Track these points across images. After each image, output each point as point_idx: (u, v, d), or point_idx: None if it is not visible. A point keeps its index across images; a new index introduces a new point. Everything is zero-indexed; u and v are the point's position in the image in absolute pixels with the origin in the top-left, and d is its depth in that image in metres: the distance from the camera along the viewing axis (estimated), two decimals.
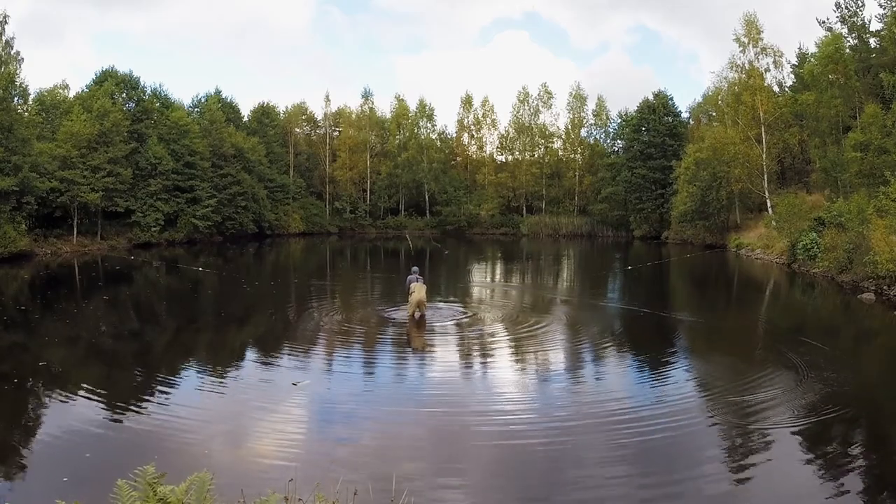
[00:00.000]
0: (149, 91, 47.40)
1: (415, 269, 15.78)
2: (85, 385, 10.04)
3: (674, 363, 12.35)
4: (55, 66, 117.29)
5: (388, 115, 70.32)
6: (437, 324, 15.47)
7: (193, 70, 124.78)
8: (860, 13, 36.44)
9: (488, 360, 12.25)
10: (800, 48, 47.79)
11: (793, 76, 45.20)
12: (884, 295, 19.63)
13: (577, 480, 6.80)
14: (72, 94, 48.53)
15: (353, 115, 69.71)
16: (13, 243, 31.59)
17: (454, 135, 71.65)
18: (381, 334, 14.60)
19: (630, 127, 58.36)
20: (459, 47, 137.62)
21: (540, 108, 68.02)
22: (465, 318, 16.42)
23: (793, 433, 8.15)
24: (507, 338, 14.35)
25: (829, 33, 37.47)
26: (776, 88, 44.82)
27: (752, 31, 43.04)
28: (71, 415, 8.84)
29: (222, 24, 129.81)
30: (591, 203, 62.71)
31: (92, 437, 7.87)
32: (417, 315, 15.40)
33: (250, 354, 12.65)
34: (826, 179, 33.54)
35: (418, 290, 15.29)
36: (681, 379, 11.01)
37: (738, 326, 17.02)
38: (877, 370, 12.00)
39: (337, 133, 70.99)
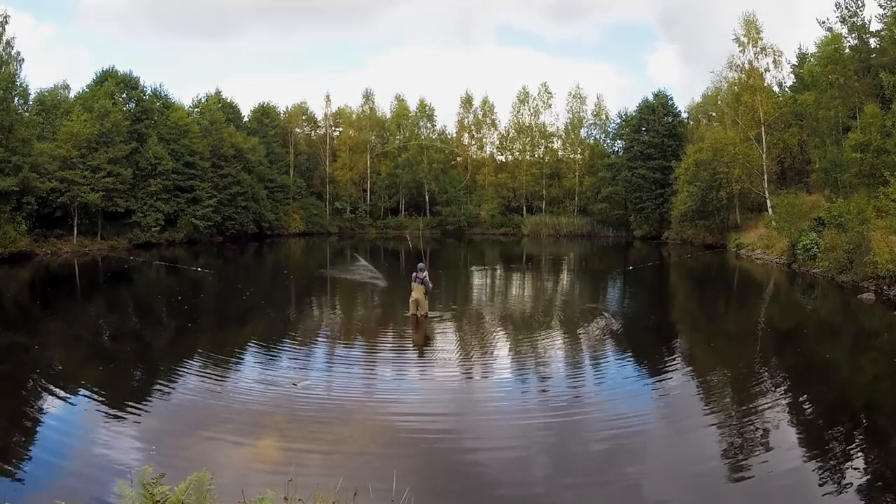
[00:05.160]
0: (149, 91, 47.43)
1: (420, 265, 15.76)
2: (85, 385, 10.05)
3: (672, 363, 12.36)
4: (55, 66, 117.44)
5: (389, 115, 70.35)
6: (438, 324, 15.48)
7: (193, 70, 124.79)
8: (860, 13, 36.42)
9: (488, 361, 12.25)
10: (800, 48, 47.85)
11: (793, 76, 45.21)
12: (884, 295, 19.63)
13: (577, 480, 6.81)
14: (72, 94, 48.66)
15: (354, 116, 69.76)
16: (13, 243, 31.64)
17: (454, 135, 71.72)
18: (381, 334, 14.61)
19: (630, 127, 58.39)
20: (459, 47, 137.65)
21: (540, 108, 68.11)
22: (465, 319, 16.42)
23: (792, 432, 8.16)
24: (507, 339, 14.37)
25: (829, 33, 37.47)
26: (776, 88, 44.86)
27: (751, 31, 43.04)
28: (71, 415, 8.85)
29: (223, 24, 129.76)
30: (592, 203, 62.71)
31: (92, 437, 7.87)
32: (420, 314, 15.43)
33: (250, 354, 12.65)
34: (826, 179, 33.50)
35: (416, 290, 15.38)
36: (679, 379, 11.01)
37: (738, 326, 17.03)
38: (877, 370, 12.00)
39: (337, 133, 71.04)
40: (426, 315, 15.52)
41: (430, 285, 15.89)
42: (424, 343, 13.79)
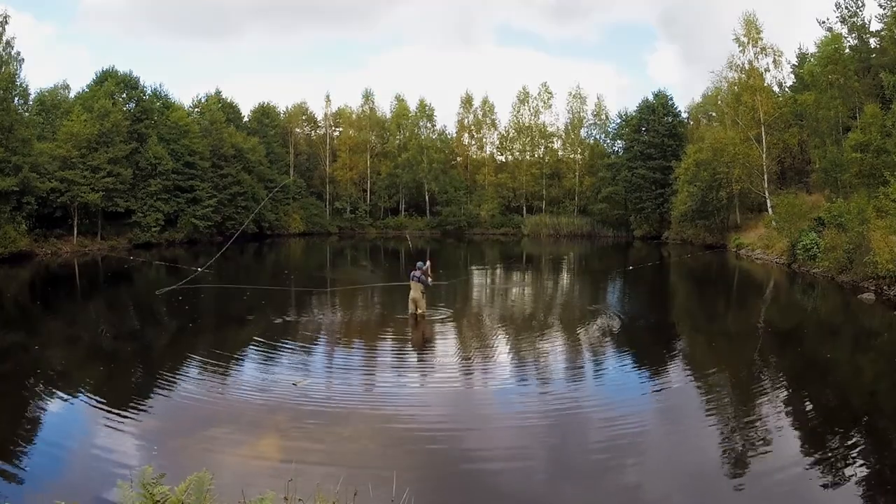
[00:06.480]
0: (149, 91, 47.45)
1: (419, 264, 15.77)
2: (85, 385, 10.05)
3: (672, 363, 12.37)
4: (55, 66, 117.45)
5: (389, 115, 70.37)
6: (438, 325, 15.49)
7: (193, 70, 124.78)
8: (860, 13, 36.41)
9: (488, 361, 12.25)
10: (800, 48, 47.83)
11: (793, 76, 45.20)
12: (884, 295, 19.63)
13: (577, 480, 6.81)
14: (72, 94, 48.68)
15: (354, 116, 69.77)
16: (13, 243, 31.65)
17: (454, 135, 71.75)
18: (381, 334, 14.61)
19: (630, 127, 58.41)
20: (459, 47, 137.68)
21: (540, 108, 68.14)
22: (465, 320, 16.44)
23: (792, 432, 8.16)
24: (507, 339, 14.37)
25: (829, 33, 37.45)
26: (776, 88, 44.84)
27: (751, 30, 43.03)
28: (71, 415, 8.85)
29: (223, 24, 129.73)
30: (592, 203, 62.73)
31: (92, 436, 7.87)
32: (418, 312, 15.45)
33: (250, 354, 12.65)
34: (826, 179, 33.50)
35: (413, 288, 15.39)
36: (679, 379, 11.02)
37: (738, 326, 17.03)
38: (877, 370, 12.00)
39: (337, 133, 71.05)
40: (423, 314, 15.53)
41: (429, 282, 15.83)
42: (423, 343, 13.79)
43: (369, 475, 6.43)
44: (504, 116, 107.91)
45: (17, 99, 35.41)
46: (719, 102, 47.00)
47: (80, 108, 40.52)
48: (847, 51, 35.45)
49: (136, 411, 8.79)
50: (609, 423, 8.41)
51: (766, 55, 43.60)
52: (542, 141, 67.69)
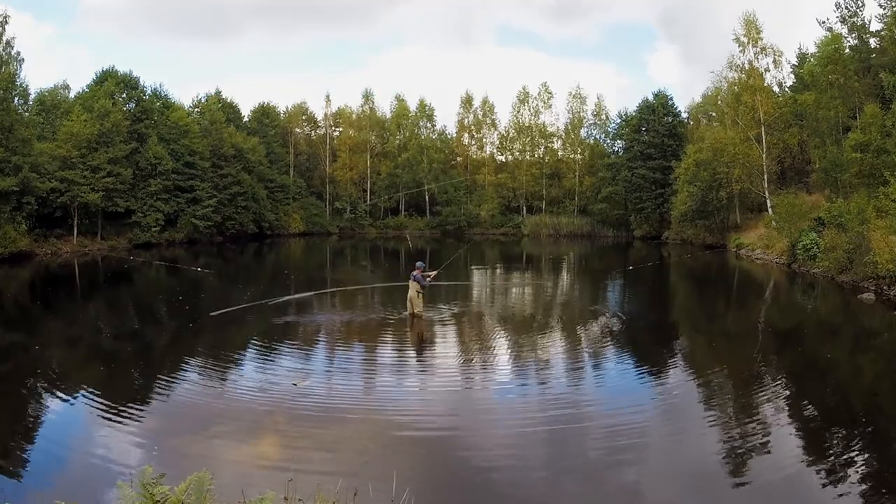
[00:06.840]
0: (149, 91, 47.46)
1: (418, 263, 15.86)
2: (85, 385, 10.05)
3: (672, 364, 12.37)
4: (55, 66, 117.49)
5: (389, 115, 70.38)
6: (437, 325, 15.48)
7: (193, 70, 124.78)
8: (860, 13, 36.41)
9: (488, 362, 12.25)
10: (800, 48, 47.84)
11: (793, 76, 45.20)
12: (884, 295, 19.63)
13: (577, 480, 6.80)
14: (72, 94, 48.72)
15: (354, 116, 69.78)
16: (13, 243, 31.66)
17: (454, 135, 71.75)
18: (381, 334, 14.60)
19: (630, 127, 58.42)
20: (459, 47, 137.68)
21: (540, 108, 68.15)
22: (465, 320, 16.45)
23: (792, 433, 8.15)
24: (507, 340, 14.37)
25: (829, 33, 37.45)
26: (776, 88, 44.86)
27: (751, 30, 43.04)
28: (71, 415, 8.85)
29: (223, 24, 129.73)
30: (592, 203, 62.75)
31: (92, 437, 7.87)
32: (415, 311, 15.50)
33: (250, 354, 12.65)
34: (826, 179, 33.50)
35: (410, 286, 15.54)
36: (679, 379, 11.03)
37: (738, 326, 17.03)
38: (877, 370, 12.00)
39: (337, 133, 71.07)
40: (420, 314, 15.55)
41: (425, 282, 15.83)
42: (423, 344, 13.79)
43: (369, 475, 6.43)
44: (504, 116, 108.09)
45: (17, 99, 35.41)
46: (719, 102, 47.00)
47: (80, 108, 40.54)
48: (847, 51, 35.45)
49: (136, 411, 8.79)
50: (609, 423, 8.41)
51: (766, 55, 43.66)
52: (542, 141, 67.72)
